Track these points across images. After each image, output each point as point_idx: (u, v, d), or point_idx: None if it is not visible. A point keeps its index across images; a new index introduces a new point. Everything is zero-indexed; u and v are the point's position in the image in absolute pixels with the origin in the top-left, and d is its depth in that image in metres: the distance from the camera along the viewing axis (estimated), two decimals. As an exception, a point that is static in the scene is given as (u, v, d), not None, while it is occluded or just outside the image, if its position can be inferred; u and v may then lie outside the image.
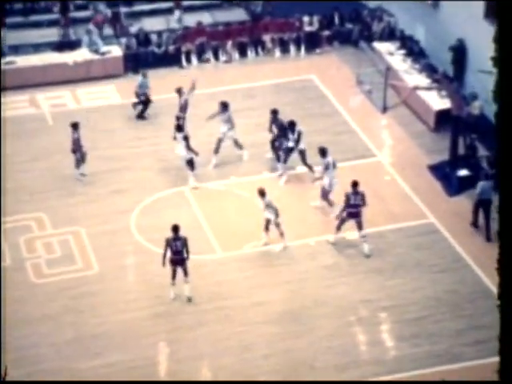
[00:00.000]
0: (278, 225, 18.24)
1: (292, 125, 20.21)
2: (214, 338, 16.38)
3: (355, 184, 17.89)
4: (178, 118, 20.45)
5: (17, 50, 24.57)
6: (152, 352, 16.20)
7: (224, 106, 20.67)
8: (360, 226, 18.03)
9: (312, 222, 19.18)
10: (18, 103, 23.27)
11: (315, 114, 22.98)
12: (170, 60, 25.22)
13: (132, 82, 23.53)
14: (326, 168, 18.98)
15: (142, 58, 25.12)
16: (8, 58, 24.04)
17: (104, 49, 24.81)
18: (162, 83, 23.93)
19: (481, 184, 18.69)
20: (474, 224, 19.04)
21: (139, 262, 18.26)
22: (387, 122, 22.77)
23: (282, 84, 24.39)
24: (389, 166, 21.17)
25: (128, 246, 18.65)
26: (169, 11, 26.39)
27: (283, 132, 20.26)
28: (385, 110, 20.78)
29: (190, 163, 20.09)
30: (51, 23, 25.66)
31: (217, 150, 20.66)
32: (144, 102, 22.63)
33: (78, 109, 23.35)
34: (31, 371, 15.61)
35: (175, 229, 16.84)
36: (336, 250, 18.42)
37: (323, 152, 19.01)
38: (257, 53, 25.85)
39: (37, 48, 24.73)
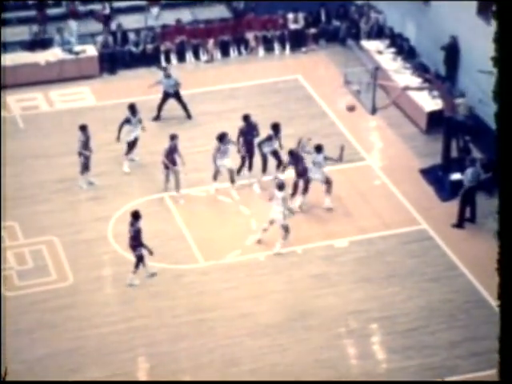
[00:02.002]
0: (286, 228, 18.39)
1: (276, 128, 20.24)
2: (196, 351, 16.34)
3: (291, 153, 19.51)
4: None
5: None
6: (130, 367, 16.12)
7: (221, 138, 19.88)
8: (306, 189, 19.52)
9: (298, 230, 19.18)
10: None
11: (301, 115, 23.03)
12: (149, 60, 25.21)
13: (108, 82, 23.47)
14: (318, 164, 19.50)
15: (119, 57, 25.10)
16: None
17: (78, 48, 24.76)
18: (140, 84, 23.90)
19: (470, 171, 18.84)
20: (460, 225, 19.14)
21: (117, 273, 18.19)
22: (377, 124, 22.85)
23: (267, 84, 24.43)
24: (379, 169, 21.23)
25: (105, 256, 18.58)
26: (147, 8, 26.42)
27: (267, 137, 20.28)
28: (374, 111, 20.80)
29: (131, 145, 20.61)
30: (21, 21, 25.58)
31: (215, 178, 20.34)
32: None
33: (50, 111, 23.30)
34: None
35: (134, 215, 17.40)
36: (324, 259, 18.44)
37: (319, 149, 19.46)
38: (240, 52, 25.89)
39: (6, 47, 24.59)
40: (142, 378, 16.11)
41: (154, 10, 26.29)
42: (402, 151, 21.92)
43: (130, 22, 26.13)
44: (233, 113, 22.86)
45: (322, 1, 26.35)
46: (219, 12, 26.83)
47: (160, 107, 22.62)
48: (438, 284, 17.84)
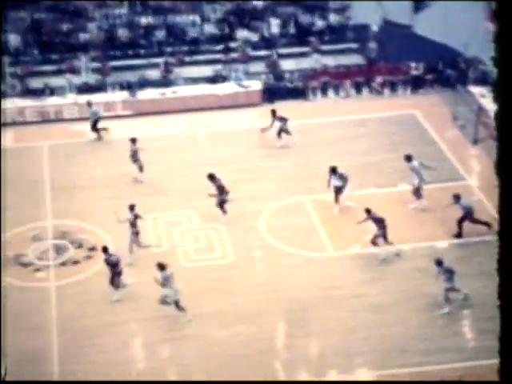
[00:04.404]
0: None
1: (334, 170, 19.72)
2: (323, 320, 16.67)
3: (368, 211, 18.06)
4: None
5: (178, 82, 25.86)
6: (270, 327, 16.58)
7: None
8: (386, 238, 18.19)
9: (405, 231, 19.12)
10: (178, 123, 24.27)
11: (415, 143, 22.93)
12: (299, 94, 25.77)
13: (268, 109, 24.20)
14: (413, 170, 19.49)
15: (277, 91, 25.81)
16: (172, 89, 25.33)
17: (246, 83, 25.70)
18: (291, 112, 24.45)
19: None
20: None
21: (266, 255, 18.69)
22: (477, 152, 22.46)
23: (389, 117, 24.46)
24: (476, 188, 20.90)
25: (257, 241, 19.12)
26: (301, 55, 26.95)
27: None
28: (476, 142, 20.51)
29: None
30: (207, 62, 26.78)
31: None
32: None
33: (224, 131, 24.08)
34: (171, 336, 16.30)
35: (104, 249, 16.95)
36: (427, 256, 18.32)
37: (409, 158, 19.56)
38: (370, 91, 26.06)
39: (195, 81, 25.91)
40: (279, 337, 16.46)
41: (315, 56, 26.78)
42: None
43: (287, 64, 26.81)
44: (361, 137, 23.07)
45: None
46: (356, 59, 27.19)
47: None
48: (520, 283, 17.39)
